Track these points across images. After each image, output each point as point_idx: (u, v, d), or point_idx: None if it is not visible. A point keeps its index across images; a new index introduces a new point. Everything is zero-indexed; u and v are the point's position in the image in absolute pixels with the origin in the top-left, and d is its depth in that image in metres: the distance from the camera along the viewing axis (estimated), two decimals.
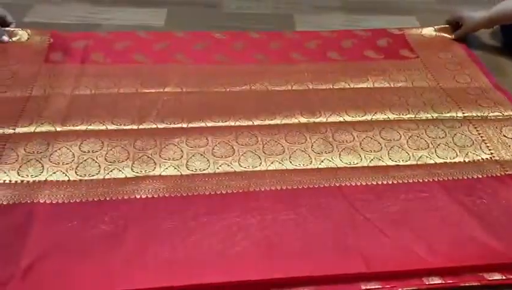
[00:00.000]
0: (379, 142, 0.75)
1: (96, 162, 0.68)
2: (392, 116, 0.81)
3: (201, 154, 0.71)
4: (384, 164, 0.72)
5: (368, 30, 1.06)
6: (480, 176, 0.70)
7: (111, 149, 0.70)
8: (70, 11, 1.08)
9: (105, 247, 0.57)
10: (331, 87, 0.87)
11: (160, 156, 0.70)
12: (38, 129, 0.73)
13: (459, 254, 0.59)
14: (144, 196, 0.64)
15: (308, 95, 0.85)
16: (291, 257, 0.58)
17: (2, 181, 0.64)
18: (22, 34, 0.94)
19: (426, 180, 0.69)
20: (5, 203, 0.61)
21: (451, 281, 0.56)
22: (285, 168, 0.70)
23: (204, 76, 0.88)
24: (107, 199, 0.63)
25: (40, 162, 0.67)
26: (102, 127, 0.74)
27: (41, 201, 0.62)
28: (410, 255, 0.58)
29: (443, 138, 0.77)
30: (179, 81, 0.86)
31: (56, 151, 0.69)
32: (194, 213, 0.62)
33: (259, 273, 0.56)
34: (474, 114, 0.82)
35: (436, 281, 0.56)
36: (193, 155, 0.71)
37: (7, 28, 0.95)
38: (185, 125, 0.76)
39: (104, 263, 0.56)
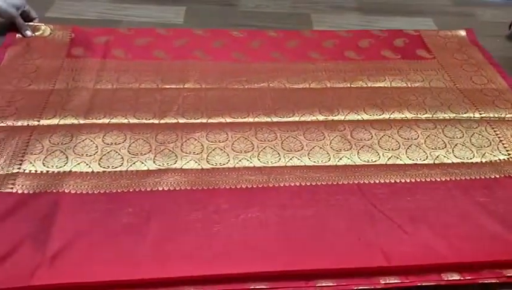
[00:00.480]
0: (397, 141, 0.76)
1: (119, 154, 0.69)
2: (409, 115, 0.81)
3: (221, 149, 0.72)
4: (402, 162, 0.72)
5: (385, 30, 1.07)
6: (498, 176, 0.71)
7: (133, 142, 0.71)
8: (91, 7, 1.09)
9: (129, 237, 0.59)
10: (349, 86, 0.88)
11: (181, 149, 0.71)
12: (62, 122, 0.74)
13: (477, 250, 0.59)
14: (166, 188, 0.65)
15: (326, 93, 0.86)
16: (310, 251, 0.59)
17: (28, 171, 0.66)
18: (45, 29, 0.96)
19: (444, 179, 0.70)
20: (31, 192, 0.63)
21: (469, 277, 0.57)
22: (303, 164, 0.71)
23: (223, 73, 0.89)
24: (130, 190, 0.65)
25: (64, 154, 0.68)
26: (125, 121, 0.76)
27: (66, 191, 0.63)
28: (429, 251, 0.59)
29: (460, 138, 0.77)
30: (198, 77, 0.87)
31: (80, 143, 0.70)
32: (215, 206, 0.63)
33: (280, 266, 0.57)
34: (491, 115, 0.82)
35: (455, 277, 0.57)
36: (213, 149, 0.72)
37: (30, 23, 0.97)
38: (204, 121, 0.77)
39: (128, 252, 0.57)
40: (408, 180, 0.69)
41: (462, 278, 0.57)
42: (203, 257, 0.57)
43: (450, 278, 0.57)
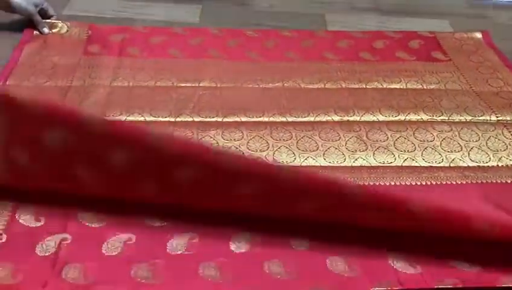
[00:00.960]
0: (413, 143, 0.75)
1: None
2: (425, 117, 0.81)
3: (237, 147, 0.72)
4: (417, 164, 0.72)
5: (399, 32, 1.06)
6: None
7: None
8: (107, 4, 1.10)
9: None
10: (364, 86, 0.88)
11: None
12: None
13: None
14: None
15: (341, 93, 0.86)
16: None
17: None
18: (62, 26, 0.97)
19: (459, 182, 0.70)
20: None
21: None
22: (319, 164, 0.71)
23: (237, 72, 0.90)
24: None
25: None
26: (141, 118, 0.76)
27: None
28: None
29: (476, 141, 0.77)
30: (213, 76, 0.88)
31: None
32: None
33: None
34: (508, 118, 0.82)
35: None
36: (228, 148, 0.72)
37: (48, 20, 0.98)
38: (220, 119, 0.78)
39: None
40: (424, 183, 0.69)
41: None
42: None
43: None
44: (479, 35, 1.07)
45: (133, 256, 0.57)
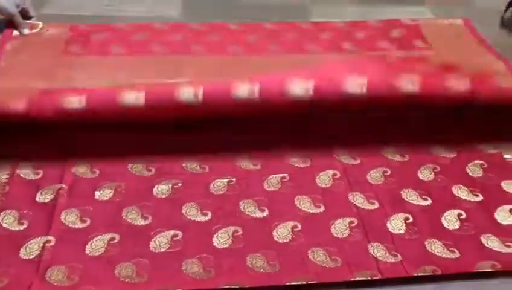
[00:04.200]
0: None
1: None
2: None
3: None
4: None
5: (381, 21, 1.06)
6: None
7: None
8: (87, 3, 1.09)
9: None
10: None
11: None
12: None
13: None
14: None
15: None
16: None
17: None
18: (42, 27, 0.96)
19: None
20: None
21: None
22: None
23: (220, 67, 0.90)
24: None
25: None
26: None
27: None
28: None
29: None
30: (195, 72, 0.87)
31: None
32: None
33: None
34: None
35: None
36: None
37: (28, 21, 0.97)
38: None
39: None
40: None
41: None
42: None
43: None
44: (460, 21, 1.08)
45: (117, 256, 0.58)
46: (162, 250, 0.59)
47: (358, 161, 0.73)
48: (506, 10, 1.07)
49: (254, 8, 1.12)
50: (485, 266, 0.59)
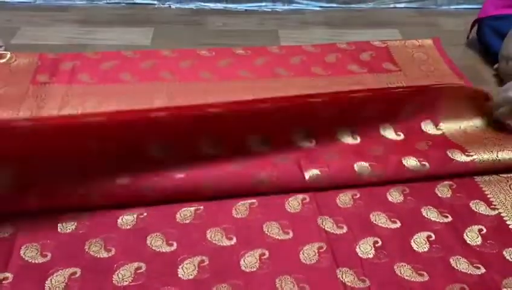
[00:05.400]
0: None
1: None
2: None
3: None
4: None
5: (352, 43, 1.08)
6: None
7: None
8: (57, 32, 1.09)
9: None
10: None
11: None
12: None
13: None
14: None
15: None
16: None
17: None
18: (10, 57, 0.96)
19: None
20: None
21: None
22: None
23: (190, 94, 0.89)
24: None
25: None
26: None
27: None
28: None
29: None
30: (165, 99, 0.87)
31: None
32: None
33: None
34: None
35: None
36: None
37: None
38: None
39: None
40: None
41: None
42: None
43: None
44: (429, 42, 1.10)
45: None
46: (125, 283, 0.57)
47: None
48: (471, 30, 1.10)
49: (224, 34, 1.13)
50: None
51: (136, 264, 0.59)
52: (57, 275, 0.57)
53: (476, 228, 0.67)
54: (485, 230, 0.66)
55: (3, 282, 0.56)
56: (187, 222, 0.66)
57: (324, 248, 0.63)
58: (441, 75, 0.99)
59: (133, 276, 0.58)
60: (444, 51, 1.07)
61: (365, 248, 0.63)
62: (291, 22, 1.20)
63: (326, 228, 0.66)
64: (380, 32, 1.15)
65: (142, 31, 1.11)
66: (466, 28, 1.11)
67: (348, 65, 1.01)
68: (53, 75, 0.92)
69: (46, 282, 0.57)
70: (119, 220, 0.65)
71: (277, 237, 0.64)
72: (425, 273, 0.60)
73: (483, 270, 0.61)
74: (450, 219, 0.68)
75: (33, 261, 0.59)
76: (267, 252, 0.62)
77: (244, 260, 0.61)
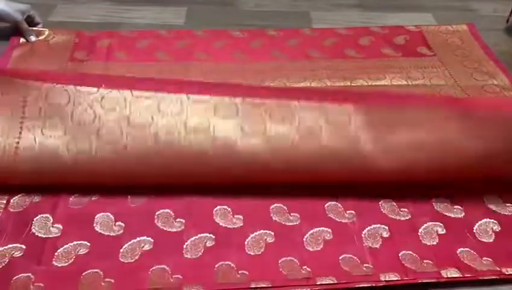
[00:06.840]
0: None
1: None
2: None
3: None
4: None
5: (385, 27, 1.07)
6: None
7: None
8: (92, 10, 1.10)
9: None
10: (349, 84, 0.89)
11: None
12: None
13: None
14: None
15: None
16: None
17: None
18: (48, 34, 0.98)
19: None
20: None
21: (469, 275, 0.58)
22: None
23: (224, 73, 0.90)
24: None
25: None
26: None
27: None
28: None
29: None
30: (200, 78, 0.88)
31: None
32: None
33: None
34: None
35: (454, 274, 0.58)
36: None
37: (34, 28, 0.98)
38: None
39: None
40: None
41: (461, 276, 0.58)
42: None
43: (449, 276, 0.58)
44: (464, 27, 1.08)
45: None
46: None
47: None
48: (511, 14, 1.07)
49: (256, 15, 1.13)
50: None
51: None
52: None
53: None
54: None
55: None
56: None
57: None
58: (477, 60, 0.97)
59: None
60: (479, 36, 1.05)
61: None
62: (324, 4, 1.19)
63: None
64: (413, 15, 1.13)
65: (175, 10, 1.12)
66: (503, 15, 1.09)
67: (382, 48, 1.00)
68: (90, 53, 0.94)
69: None
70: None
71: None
72: None
73: None
74: None
75: None
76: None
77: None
